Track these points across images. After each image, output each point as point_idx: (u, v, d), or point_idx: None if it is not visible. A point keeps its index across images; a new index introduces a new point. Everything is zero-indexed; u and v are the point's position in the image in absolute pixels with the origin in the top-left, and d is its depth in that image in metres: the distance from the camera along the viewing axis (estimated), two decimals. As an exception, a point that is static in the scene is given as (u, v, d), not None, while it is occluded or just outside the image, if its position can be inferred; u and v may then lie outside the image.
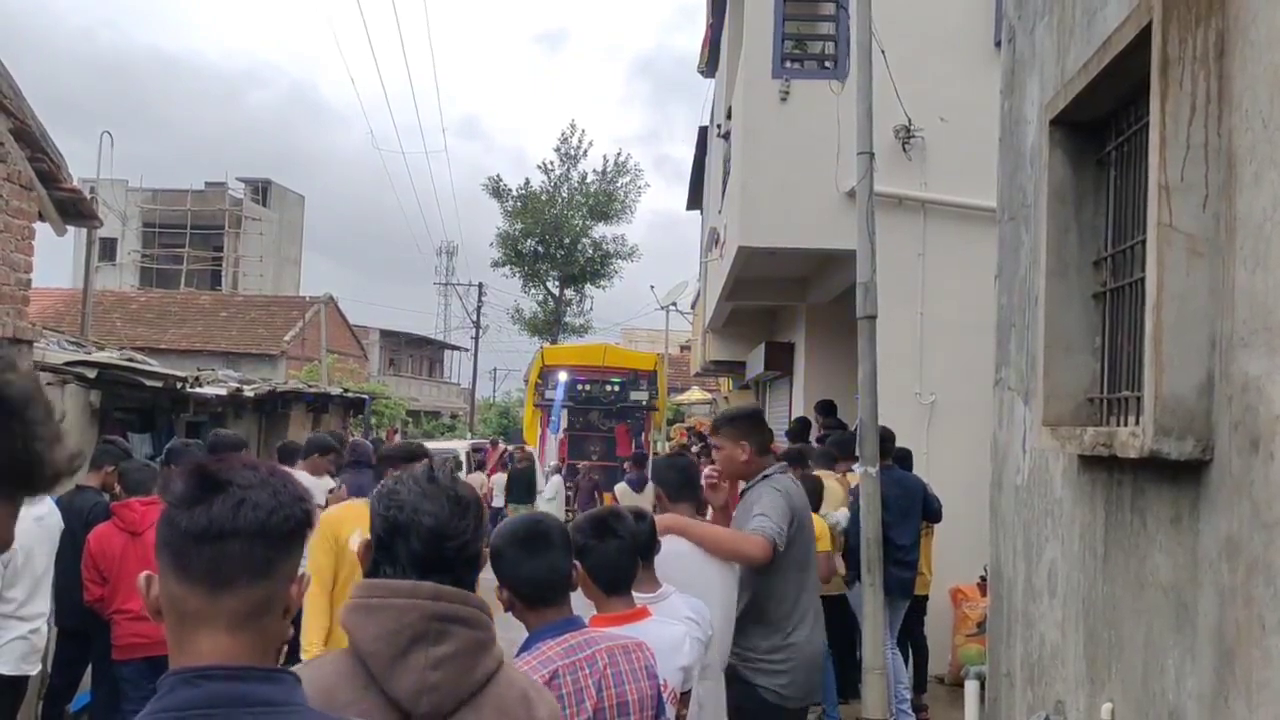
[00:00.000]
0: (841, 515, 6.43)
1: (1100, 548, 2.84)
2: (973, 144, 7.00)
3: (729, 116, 10.54)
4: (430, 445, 23.20)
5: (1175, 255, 2.24)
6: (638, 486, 12.18)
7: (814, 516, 4.84)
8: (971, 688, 4.24)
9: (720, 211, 11.48)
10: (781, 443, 9.39)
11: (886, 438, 6.24)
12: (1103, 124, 3.05)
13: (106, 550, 5.02)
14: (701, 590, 3.20)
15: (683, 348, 34.38)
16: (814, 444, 8.23)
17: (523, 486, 15.78)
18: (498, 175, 52.74)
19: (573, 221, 40.66)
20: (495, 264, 41.50)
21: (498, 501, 16.17)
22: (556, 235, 40.54)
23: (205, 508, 1.24)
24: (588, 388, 19.00)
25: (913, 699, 6.73)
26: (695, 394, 29.01)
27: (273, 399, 12.15)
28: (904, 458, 7.01)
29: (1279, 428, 1.92)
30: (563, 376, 18.41)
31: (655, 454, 17.46)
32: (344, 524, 4.12)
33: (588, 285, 42.02)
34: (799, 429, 9.15)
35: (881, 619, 5.46)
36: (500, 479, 17.04)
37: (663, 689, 2.35)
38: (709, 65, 14.52)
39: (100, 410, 7.90)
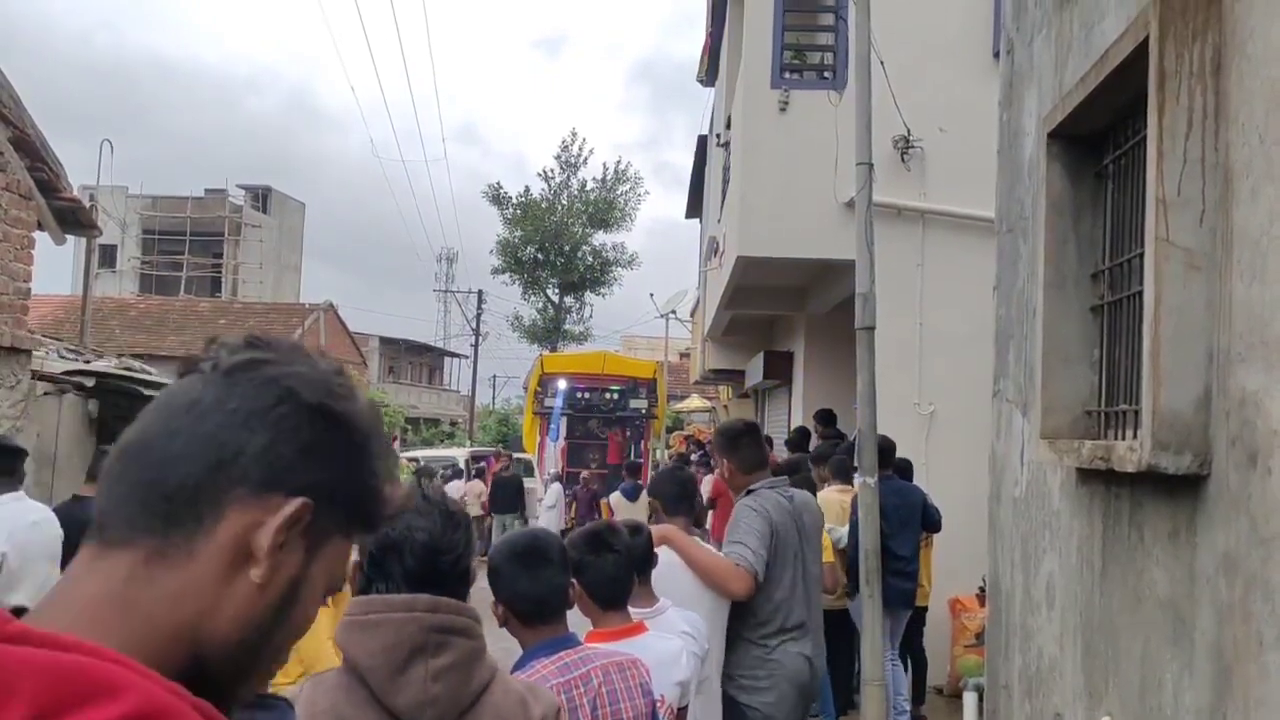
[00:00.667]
0: (843, 532, 6.43)
1: (1098, 561, 2.84)
2: (972, 154, 7.01)
3: (728, 126, 10.55)
4: (429, 453, 23.18)
5: (1173, 270, 2.24)
6: (632, 496, 12.17)
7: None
8: (970, 699, 4.23)
9: (719, 220, 11.49)
10: (781, 453, 9.40)
11: (886, 448, 6.23)
12: (1101, 137, 3.05)
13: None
14: (691, 600, 3.21)
15: (682, 355, 34.36)
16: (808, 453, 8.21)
17: (509, 494, 15.62)
18: (498, 183, 52.89)
19: (573, 229, 40.73)
20: (495, 271, 41.59)
21: (475, 509, 15.98)
22: (556, 243, 40.60)
23: None
24: (587, 395, 18.99)
25: (911, 710, 6.71)
26: (695, 402, 28.97)
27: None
28: (904, 468, 7.00)
29: (1276, 443, 1.92)
30: (562, 384, 18.41)
31: (656, 461, 17.45)
32: None
33: (587, 293, 42.09)
34: (798, 439, 9.14)
35: (880, 630, 5.44)
36: (477, 486, 16.93)
37: (659, 704, 2.34)
38: (708, 74, 14.54)
39: (98, 419, 7.90)
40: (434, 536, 1.65)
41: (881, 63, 6.53)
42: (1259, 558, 1.96)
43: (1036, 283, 3.20)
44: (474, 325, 42.11)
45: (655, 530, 3.26)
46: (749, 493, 3.85)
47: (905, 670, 6.88)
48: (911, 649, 7.04)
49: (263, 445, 0.83)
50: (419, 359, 48.70)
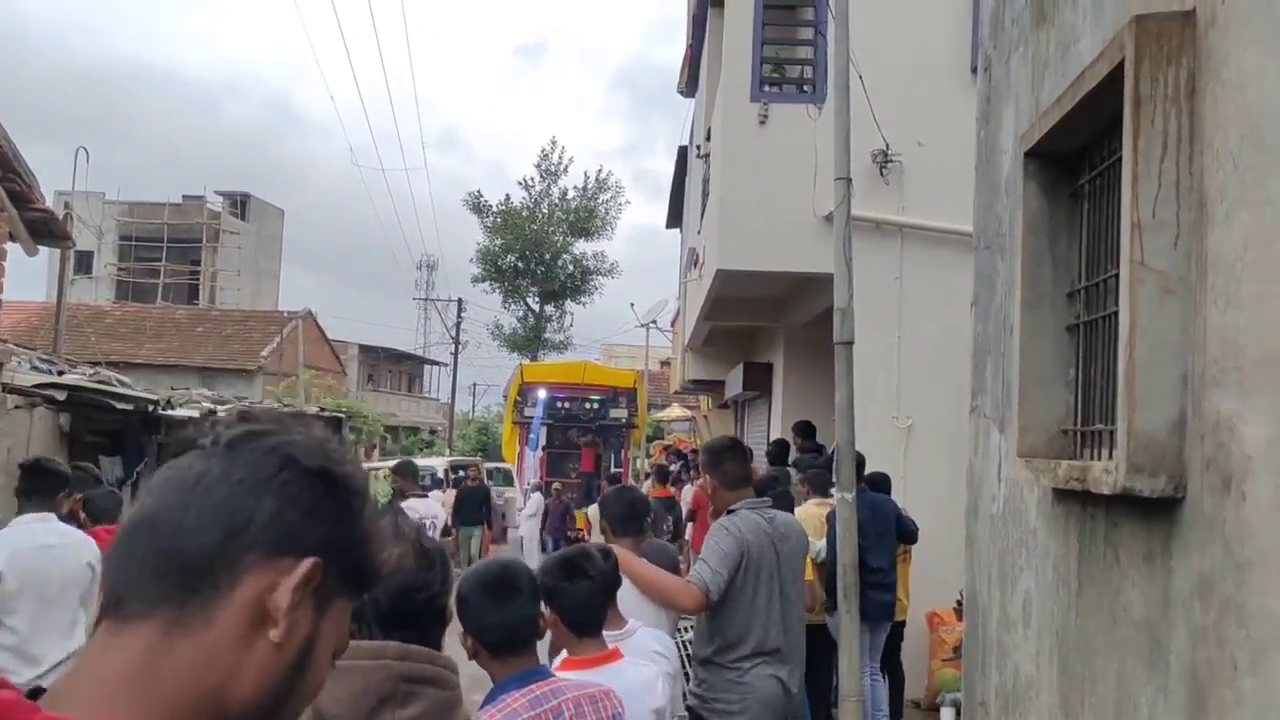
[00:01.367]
0: (821, 545, 6.42)
1: (1074, 581, 2.83)
2: (950, 169, 7.04)
3: (708, 138, 10.56)
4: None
5: (1147, 293, 2.25)
6: (609, 509, 12.10)
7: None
8: (948, 715, 4.23)
9: (699, 232, 11.50)
10: (761, 464, 9.39)
11: (857, 462, 6.23)
12: (1077, 156, 3.05)
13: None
14: (633, 613, 3.21)
15: (663, 364, 34.36)
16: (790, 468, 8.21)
17: (473, 505, 15.46)
18: (478, 191, 52.69)
19: (553, 238, 40.69)
20: (475, 279, 41.52)
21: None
22: (537, 251, 40.56)
23: None
24: (567, 405, 18.97)
25: (890, 724, 6.71)
26: (675, 411, 28.96)
27: (248, 418, 11.99)
28: (882, 482, 7.00)
29: (1250, 467, 1.92)
30: (542, 393, 18.37)
31: (636, 471, 17.42)
32: None
33: (568, 301, 42.06)
34: (777, 451, 9.14)
35: (857, 646, 5.43)
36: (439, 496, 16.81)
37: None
38: (689, 85, 14.57)
39: (70, 433, 7.80)
40: (408, 574, 1.61)
41: (860, 77, 6.54)
42: (1234, 582, 1.96)
43: (1013, 301, 3.20)
44: (454, 333, 42.00)
45: None
46: (730, 513, 3.85)
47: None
48: (889, 664, 7.03)
49: (271, 511, 0.87)
50: (398, 367, 48.49)
